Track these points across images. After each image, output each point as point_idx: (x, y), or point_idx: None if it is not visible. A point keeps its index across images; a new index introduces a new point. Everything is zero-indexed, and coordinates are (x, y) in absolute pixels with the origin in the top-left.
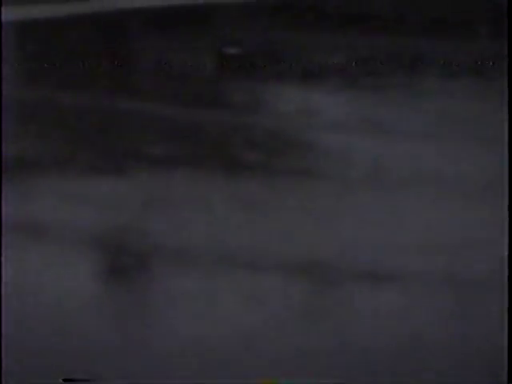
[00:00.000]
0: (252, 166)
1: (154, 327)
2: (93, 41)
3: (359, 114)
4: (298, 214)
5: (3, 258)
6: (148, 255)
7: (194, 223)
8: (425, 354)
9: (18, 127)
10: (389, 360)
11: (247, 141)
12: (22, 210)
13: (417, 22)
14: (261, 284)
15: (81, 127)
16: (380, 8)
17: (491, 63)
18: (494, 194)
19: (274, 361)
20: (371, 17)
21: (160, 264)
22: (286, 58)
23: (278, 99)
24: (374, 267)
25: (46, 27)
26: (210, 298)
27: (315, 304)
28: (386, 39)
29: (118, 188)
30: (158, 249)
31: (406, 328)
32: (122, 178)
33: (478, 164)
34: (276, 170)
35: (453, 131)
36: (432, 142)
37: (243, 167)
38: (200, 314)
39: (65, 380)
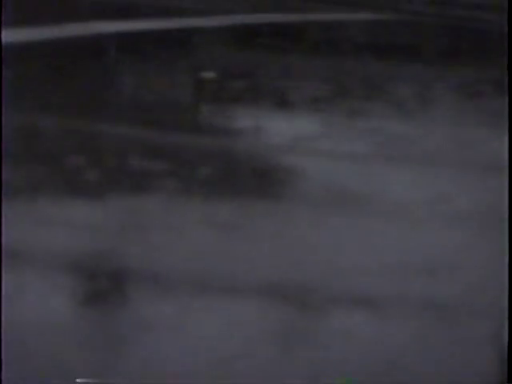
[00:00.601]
0: (229, 190)
1: (129, 352)
2: (69, 64)
3: (335, 140)
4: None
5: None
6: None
7: (168, 247)
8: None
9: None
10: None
11: (224, 165)
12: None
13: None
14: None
15: (57, 149)
16: (359, 34)
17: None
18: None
19: None
20: (352, 42)
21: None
22: (262, 83)
23: (255, 123)
24: (352, 291)
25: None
26: (188, 323)
27: (293, 328)
28: (360, 63)
29: (93, 209)
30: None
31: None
32: (99, 201)
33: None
34: (254, 195)
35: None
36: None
37: (220, 191)
38: (177, 340)
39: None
